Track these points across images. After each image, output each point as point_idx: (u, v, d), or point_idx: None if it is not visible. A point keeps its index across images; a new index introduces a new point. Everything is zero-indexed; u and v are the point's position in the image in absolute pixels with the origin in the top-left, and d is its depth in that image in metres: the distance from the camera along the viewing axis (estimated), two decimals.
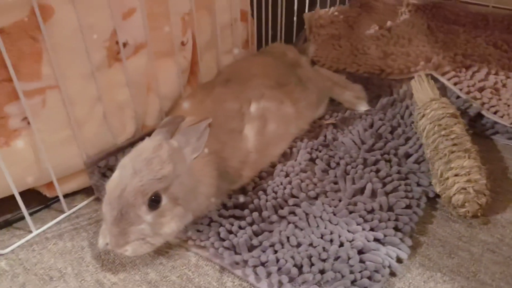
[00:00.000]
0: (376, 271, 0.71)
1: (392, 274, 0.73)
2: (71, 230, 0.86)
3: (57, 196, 0.88)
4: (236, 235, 0.78)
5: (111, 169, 0.88)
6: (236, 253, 0.76)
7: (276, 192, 0.88)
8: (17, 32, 0.72)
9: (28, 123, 0.77)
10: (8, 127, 0.76)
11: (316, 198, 0.87)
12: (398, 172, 0.91)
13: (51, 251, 0.81)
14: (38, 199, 0.91)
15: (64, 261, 0.79)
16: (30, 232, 0.84)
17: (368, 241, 0.76)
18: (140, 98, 0.96)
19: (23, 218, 0.84)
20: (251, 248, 0.76)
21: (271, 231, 0.80)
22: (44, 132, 0.80)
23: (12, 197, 0.79)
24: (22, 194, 0.80)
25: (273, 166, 0.96)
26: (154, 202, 0.70)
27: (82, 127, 0.85)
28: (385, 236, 0.77)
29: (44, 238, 0.84)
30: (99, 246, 0.77)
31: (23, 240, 0.83)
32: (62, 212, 0.89)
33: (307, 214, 0.83)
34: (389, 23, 1.59)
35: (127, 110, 0.93)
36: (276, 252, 0.75)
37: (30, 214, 0.85)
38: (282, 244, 0.77)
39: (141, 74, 0.94)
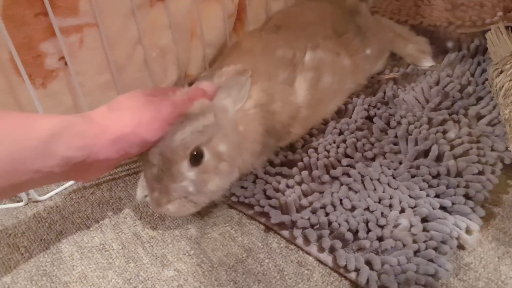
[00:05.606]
0: (443, 242, 0.62)
1: (461, 247, 0.64)
2: (109, 180, 0.82)
3: None
4: (283, 194, 0.72)
5: None
6: (283, 213, 0.69)
7: (328, 151, 0.80)
8: None
9: (66, 63, 0.72)
10: (45, 66, 0.72)
11: (373, 159, 0.78)
12: (469, 135, 0.80)
13: (89, 200, 0.78)
14: None
15: (102, 211, 0.75)
16: None
17: (434, 208, 0.67)
18: (183, 43, 0.89)
19: None
20: (299, 209, 0.70)
21: (321, 192, 0.72)
22: (82, 75, 0.75)
23: None
24: None
25: (325, 123, 0.88)
26: (196, 157, 0.64)
27: (122, 71, 0.80)
28: (453, 204, 0.68)
29: (82, 187, 0.81)
30: (137, 198, 0.73)
31: (61, 188, 0.80)
32: None
33: (362, 176, 0.74)
34: None
35: (169, 55, 0.87)
36: (327, 214, 0.68)
37: None
38: (334, 207, 0.69)
39: (184, 16, 0.86)
